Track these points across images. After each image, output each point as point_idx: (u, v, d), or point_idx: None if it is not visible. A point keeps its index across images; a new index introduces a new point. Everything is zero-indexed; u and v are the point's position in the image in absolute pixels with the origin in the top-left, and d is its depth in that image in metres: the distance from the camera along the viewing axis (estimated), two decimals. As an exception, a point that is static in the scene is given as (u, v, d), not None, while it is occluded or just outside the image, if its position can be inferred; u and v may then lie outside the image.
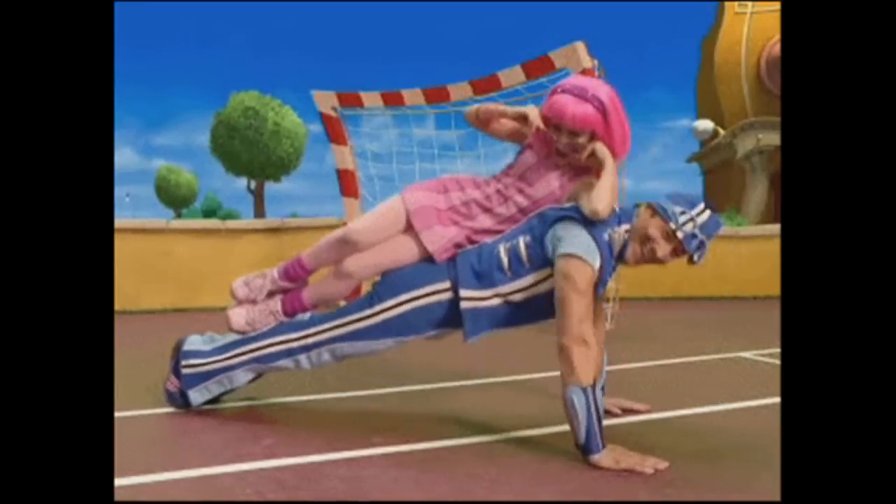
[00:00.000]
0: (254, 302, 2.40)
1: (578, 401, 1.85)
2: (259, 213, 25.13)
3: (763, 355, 3.73)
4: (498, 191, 2.27)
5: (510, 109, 2.28)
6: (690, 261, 2.05)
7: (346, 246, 2.24)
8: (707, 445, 2.07)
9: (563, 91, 2.14)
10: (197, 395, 2.38)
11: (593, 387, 1.87)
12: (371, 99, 5.35)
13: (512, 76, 4.51)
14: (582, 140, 2.14)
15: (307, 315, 2.37)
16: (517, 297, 2.12)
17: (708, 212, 2.02)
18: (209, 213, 23.79)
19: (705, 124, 17.50)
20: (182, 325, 5.20)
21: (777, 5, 15.57)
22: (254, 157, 23.25)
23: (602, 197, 2.04)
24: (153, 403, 2.52)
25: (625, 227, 2.10)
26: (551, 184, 2.23)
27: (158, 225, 6.74)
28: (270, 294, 2.40)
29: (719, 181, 18.74)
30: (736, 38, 17.18)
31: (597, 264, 1.99)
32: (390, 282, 2.23)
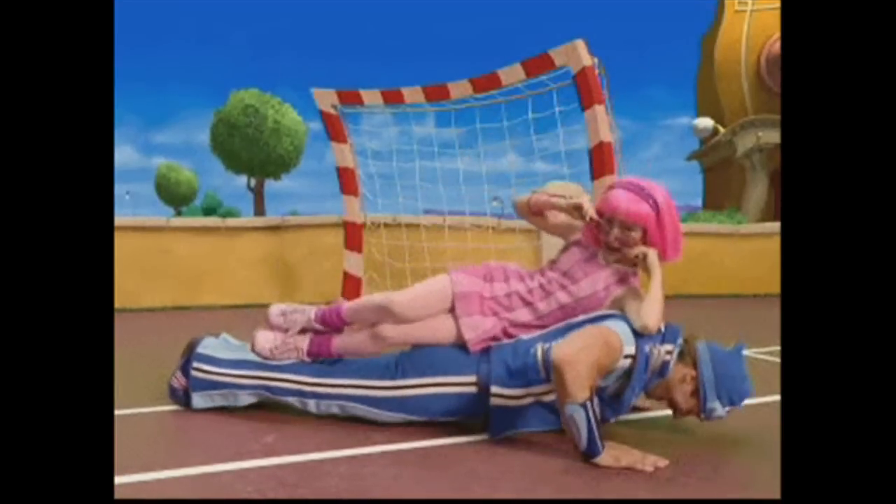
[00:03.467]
0: (284, 331, 2.40)
1: (579, 417, 1.84)
2: (259, 210, 25.14)
3: (763, 353, 3.73)
4: (541, 285, 2.26)
5: (563, 201, 2.26)
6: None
7: (387, 314, 2.23)
8: (707, 443, 2.07)
9: (619, 187, 2.19)
10: (200, 400, 2.38)
11: (591, 398, 1.85)
12: (371, 97, 5.33)
13: (512, 74, 4.50)
14: (634, 234, 2.16)
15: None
16: (549, 398, 2.06)
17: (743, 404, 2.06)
18: (209, 210, 23.81)
19: (705, 122, 17.49)
20: (182, 323, 5.20)
21: (777, 3, 15.56)
22: (254, 154, 23.25)
23: (653, 311, 2.05)
24: (153, 401, 2.52)
25: (667, 347, 2.07)
26: (596, 284, 2.21)
27: (158, 223, 6.74)
28: (302, 331, 2.41)
29: (719, 179, 18.73)
30: (736, 36, 17.16)
31: (628, 349, 1.98)
32: (417, 360, 2.21)
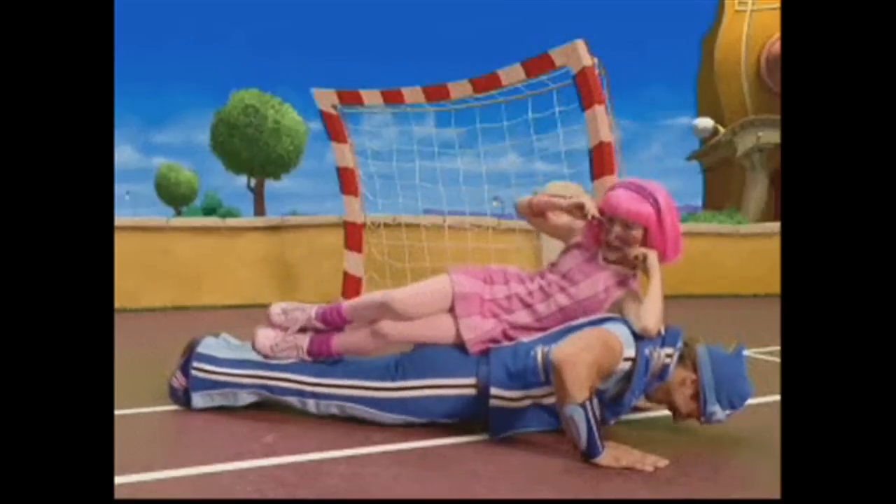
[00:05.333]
0: (285, 330, 2.40)
1: (578, 417, 1.83)
2: (259, 210, 25.12)
3: (763, 353, 3.73)
4: (541, 287, 2.26)
5: (565, 201, 2.26)
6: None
7: (387, 311, 2.22)
8: (707, 443, 2.07)
9: (621, 187, 2.22)
10: (199, 400, 2.38)
11: (590, 399, 1.84)
12: (371, 97, 5.34)
13: (512, 74, 4.50)
14: (635, 233, 2.17)
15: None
16: (548, 400, 2.06)
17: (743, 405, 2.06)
18: (209, 210, 23.78)
19: (705, 122, 17.48)
20: (182, 323, 5.20)
21: (777, 3, 15.55)
22: (254, 154, 23.24)
23: (652, 314, 2.07)
24: (153, 401, 2.52)
25: (667, 350, 2.07)
26: (596, 286, 2.22)
27: (158, 223, 6.74)
28: (303, 329, 2.40)
29: (719, 179, 18.73)
30: (736, 36, 17.16)
31: (628, 352, 1.99)
32: (418, 361, 2.20)
